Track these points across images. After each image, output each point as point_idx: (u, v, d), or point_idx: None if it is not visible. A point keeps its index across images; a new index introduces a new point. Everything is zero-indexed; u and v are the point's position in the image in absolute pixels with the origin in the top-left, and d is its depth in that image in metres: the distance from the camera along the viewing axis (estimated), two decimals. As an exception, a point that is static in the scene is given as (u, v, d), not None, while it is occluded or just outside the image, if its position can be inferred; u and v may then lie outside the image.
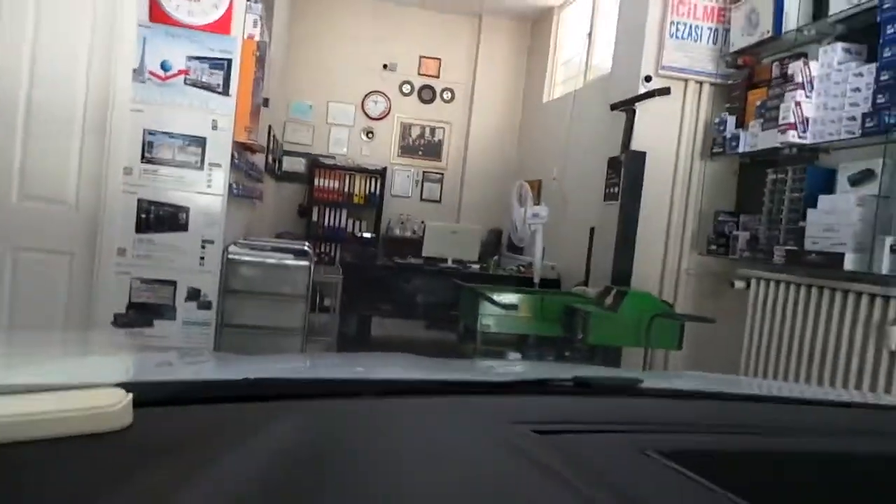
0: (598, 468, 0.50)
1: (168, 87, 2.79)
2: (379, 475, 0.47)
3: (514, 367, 1.73)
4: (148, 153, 2.80)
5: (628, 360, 3.54)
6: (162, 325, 2.86)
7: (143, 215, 2.82)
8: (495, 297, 3.65)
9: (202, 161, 2.84)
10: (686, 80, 3.69)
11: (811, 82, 2.92)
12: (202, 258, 2.88)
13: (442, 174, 7.24)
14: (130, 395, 0.50)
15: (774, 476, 0.55)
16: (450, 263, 5.22)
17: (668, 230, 3.73)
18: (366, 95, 7.05)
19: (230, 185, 2.95)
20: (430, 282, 5.21)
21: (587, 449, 0.55)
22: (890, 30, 2.53)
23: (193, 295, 2.88)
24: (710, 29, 3.67)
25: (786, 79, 3.06)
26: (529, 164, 6.65)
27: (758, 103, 3.25)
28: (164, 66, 2.78)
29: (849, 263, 2.61)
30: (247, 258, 3.04)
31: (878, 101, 2.57)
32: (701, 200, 3.66)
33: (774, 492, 0.54)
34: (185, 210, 2.85)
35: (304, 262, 3.11)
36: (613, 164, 3.87)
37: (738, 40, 3.48)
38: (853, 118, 2.69)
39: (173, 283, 2.87)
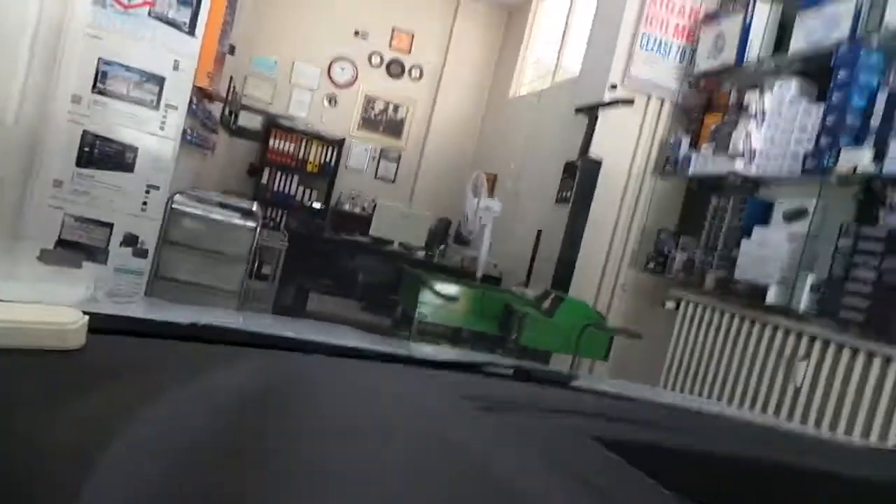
0: (544, 446, 0.53)
1: (130, 16, 2.67)
2: (326, 430, 0.48)
3: (451, 352, 1.76)
4: (101, 83, 2.68)
5: (554, 366, 3.63)
6: (91, 267, 2.76)
7: (87, 149, 2.70)
8: (437, 286, 3.68)
9: (158, 101, 2.74)
10: (649, 95, 3.78)
11: (763, 114, 3.05)
12: (144, 203, 2.79)
13: (400, 154, 7.20)
14: (86, 318, 0.50)
15: (701, 474, 0.59)
16: (396, 247, 5.21)
17: (612, 242, 3.84)
18: (333, 60, 6.93)
19: (184, 131, 2.86)
20: (373, 262, 5.19)
21: (534, 429, 0.57)
22: (842, 74, 2.66)
23: (130, 241, 2.79)
24: (679, 47, 3.78)
25: (741, 107, 3.19)
26: (487, 157, 6.68)
27: (712, 127, 3.37)
28: (128, -4, 2.67)
29: (771, 296, 2.76)
30: (192, 210, 2.96)
31: (821, 142, 2.71)
32: (647, 217, 3.78)
33: (702, 489, 0.58)
34: (134, 150, 2.75)
35: (251, 223, 3.05)
36: (569, 168, 3.95)
37: (703, 62, 3.59)
38: (796, 155, 2.83)
39: (110, 226, 2.77)
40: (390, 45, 7.01)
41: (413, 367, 0.75)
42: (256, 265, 3.81)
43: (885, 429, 2.23)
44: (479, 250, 4.20)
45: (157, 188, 2.80)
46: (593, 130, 3.67)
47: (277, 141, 6.72)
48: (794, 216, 2.93)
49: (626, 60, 3.79)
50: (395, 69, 7.07)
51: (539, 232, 4.38)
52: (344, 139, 6.89)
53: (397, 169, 7.22)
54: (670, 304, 3.38)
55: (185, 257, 2.96)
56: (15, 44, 2.64)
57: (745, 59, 3.28)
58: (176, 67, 2.74)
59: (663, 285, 3.52)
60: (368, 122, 7.11)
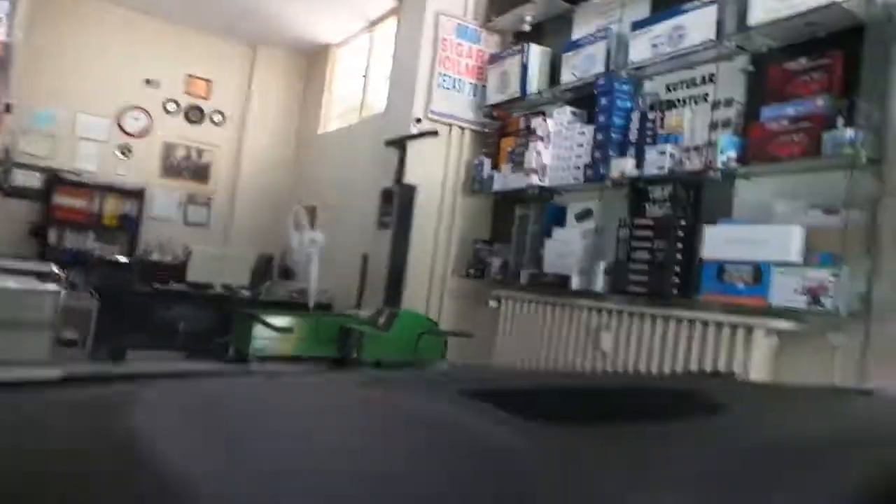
0: (421, 404, 0.61)
1: None
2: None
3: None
4: None
5: (399, 374, 3.84)
6: None
7: None
8: (270, 320, 3.71)
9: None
10: (451, 125, 4.22)
11: (548, 136, 3.60)
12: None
13: (209, 198, 6.98)
14: None
15: (552, 405, 0.69)
16: (218, 289, 5.07)
17: (435, 255, 4.18)
18: (124, 110, 6.56)
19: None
20: (194, 309, 4.97)
21: (410, 392, 0.66)
22: (603, 101, 3.27)
23: None
24: (471, 84, 4.28)
25: (529, 131, 3.72)
26: (304, 190, 6.77)
27: (508, 149, 3.87)
28: None
29: (574, 283, 3.25)
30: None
31: (595, 155, 3.28)
32: (462, 230, 4.17)
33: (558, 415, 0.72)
34: None
35: (52, 286, 2.85)
36: (386, 195, 4.22)
37: (493, 96, 4.11)
38: (578, 167, 3.38)
39: None
40: (186, 91, 6.83)
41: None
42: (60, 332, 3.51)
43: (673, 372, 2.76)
44: (309, 281, 4.28)
45: None
46: (404, 160, 3.99)
47: (64, 197, 6.17)
48: (582, 216, 3.49)
49: (427, 97, 4.19)
50: (194, 115, 6.88)
51: (365, 256, 4.59)
52: (143, 189, 6.52)
53: (209, 213, 6.99)
54: (493, 303, 3.77)
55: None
56: None
57: (527, 92, 3.83)
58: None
59: (484, 287, 3.92)
60: (171, 169, 6.81)
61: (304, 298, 4.77)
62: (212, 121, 6.98)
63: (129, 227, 6.42)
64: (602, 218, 3.35)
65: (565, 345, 3.27)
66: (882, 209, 2.30)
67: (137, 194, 6.46)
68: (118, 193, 6.39)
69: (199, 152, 6.95)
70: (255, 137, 7.10)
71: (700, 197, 2.91)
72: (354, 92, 6.40)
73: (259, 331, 3.58)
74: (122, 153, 6.58)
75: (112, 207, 6.37)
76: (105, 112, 6.47)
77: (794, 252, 2.38)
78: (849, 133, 2.26)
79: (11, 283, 2.88)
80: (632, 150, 3.12)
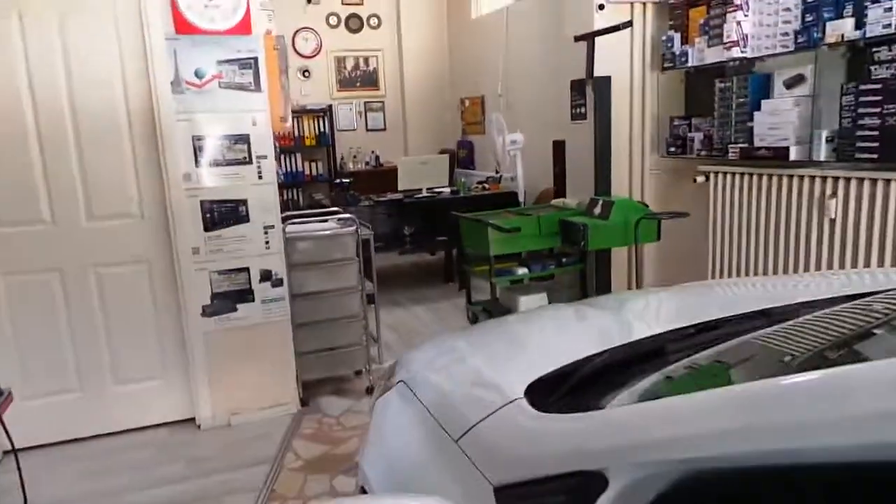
0: None
1: (205, 93, 2.99)
2: None
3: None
4: (200, 156, 3.04)
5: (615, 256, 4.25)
6: (244, 307, 3.23)
7: (208, 214, 3.10)
8: (496, 222, 4.18)
9: (249, 156, 3.11)
10: (632, 3, 4.16)
11: (747, 2, 3.49)
12: (267, 242, 3.22)
13: (383, 102, 7.46)
14: None
15: None
16: (424, 193, 5.66)
17: (631, 138, 4.35)
18: (295, 33, 7.02)
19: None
20: (411, 215, 5.59)
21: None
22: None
23: (266, 276, 3.24)
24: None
25: (724, 1, 3.62)
26: (466, 82, 6.99)
27: (701, 21, 3.81)
28: (198, 74, 2.96)
29: (793, 154, 3.33)
30: (303, 234, 3.40)
31: (807, 18, 3.19)
32: (657, 108, 4.27)
33: None
34: (244, 202, 3.14)
35: (351, 228, 3.50)
36: (576, 86, 4.36)
37: (675, -36, 3.95)
38: (786, 34, 3.31)
39: (246, 269, 3.21)
40: (343, 3, 7.09)
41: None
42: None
43: (912, 237, 2.88)
44: (517, 179, 4.68)
45: (273, 226, 3.22)
46: (594, 52, 4.06)
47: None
48: (793, 83, 3.45)
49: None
50: (353, 24, 7.19)
51: (557, 145, 4.85)
52: (330, 105, 7.12)
53: (384, 116, 7.50)
54: (700, 178, 3.95)
55: (310, 274, 3.43)
56: (118, 146, 2.96)
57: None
58: (254, 123, 3.09)
59: (685, 164, 4.07)
60: (345, 82, 7.31)
61: (496, 188, 5.23)
62: (369, 25, 7.25)
63: (324, 143, 7.14)
64: (816, 85, 3.31)
65: (786, 215, 3.44)
66: None
67: (325, 111, 7.08)
68: (309, 114, 7.06)
69: (366, 59, 7.34)
70: (410, 32, 7.30)
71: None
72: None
73: (493, 233, 4.07)
74: (303, 75, 7.15)
75: (308, 128, 7.08)
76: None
77: None
78: None
79: (326, 231, 3.54)
80: (848, 9, 3.00)
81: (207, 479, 2.74)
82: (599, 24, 4.11)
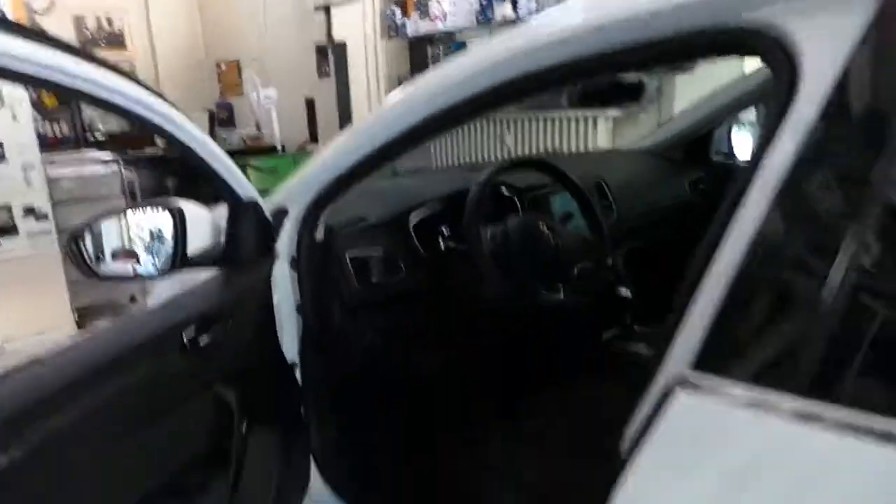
0: None
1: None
2: None
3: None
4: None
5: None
6: (10, 240, 3.41)
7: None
8: (259, 164, 4.74)
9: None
10: (360, -20, 4.97)
11: (445, -14, 4.50)
12: (27, 181, 3.43)
13: (131, 63, 7.37)
14: None
15: None
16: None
17: (369, 94, 5.18)
18: (22, -12, 6.61)
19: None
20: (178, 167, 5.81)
21: None
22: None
23: (29, 211, 3.45)
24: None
25: (429, -17, 4.59)
26: (220, 44, 7.25)
27: (415, 0, 4.75)
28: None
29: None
30: (65, 172, 3.64)
31: (483, 3, 4.27)
32: (388, 69, 5.15)
33: None
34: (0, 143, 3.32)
35: (114, 167, 3.82)
36: (321, 49, 5.08)
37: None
38: (471, 13, 4.37)
39: (8, 207, 3.39)
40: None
41: None
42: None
43: None
44: (273, 130, 5.26)
45: (34, 167, 3.44)
46: (330, 19, 4.80)
47: None
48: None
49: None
50: (91, -19, 6.97)
51: (310, 105, 5.50)
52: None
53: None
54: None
55: (77, 209, 3.68)
56: None
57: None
58: None
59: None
60: (90, 43, 7.08)
61: (258, 144, 5.78)
62: (112, -17, 7.10)
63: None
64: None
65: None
66: None
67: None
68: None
69: (109, 21, 7.18)
70: (158, -6, 7.30)
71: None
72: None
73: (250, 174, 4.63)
74: (36, 32, 6.77)
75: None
76: None
77: None
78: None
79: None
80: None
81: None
82: (334, -5, 4.86)
